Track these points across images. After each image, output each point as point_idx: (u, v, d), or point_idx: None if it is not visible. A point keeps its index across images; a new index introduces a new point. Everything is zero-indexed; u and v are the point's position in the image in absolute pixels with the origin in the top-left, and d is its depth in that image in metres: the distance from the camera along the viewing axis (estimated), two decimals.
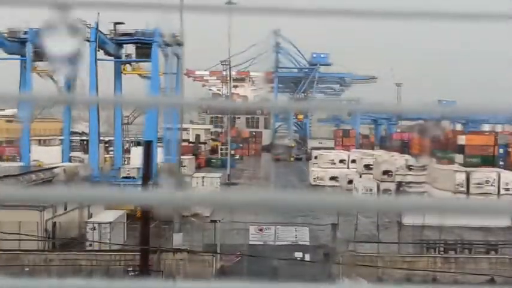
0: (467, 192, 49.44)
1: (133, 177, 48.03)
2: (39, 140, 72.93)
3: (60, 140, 70.25)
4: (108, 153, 66.58)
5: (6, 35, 52.59)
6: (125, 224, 37.29)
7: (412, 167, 57.78)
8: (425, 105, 2.22)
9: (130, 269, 31.51)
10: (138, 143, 59.36)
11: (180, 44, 53.10)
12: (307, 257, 34.89)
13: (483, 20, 2.00)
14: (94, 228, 34.80)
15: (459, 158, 70.52)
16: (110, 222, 35.13)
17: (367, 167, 63.01)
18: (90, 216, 37.58)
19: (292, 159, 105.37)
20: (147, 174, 32.51)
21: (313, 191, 62.90)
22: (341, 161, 71.24)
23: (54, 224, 35.13)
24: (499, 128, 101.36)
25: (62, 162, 52.74)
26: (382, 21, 2.16)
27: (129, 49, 55.73)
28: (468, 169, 53.76)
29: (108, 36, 53.32)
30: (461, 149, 73.09)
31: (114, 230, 35.35)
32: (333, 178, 67.34)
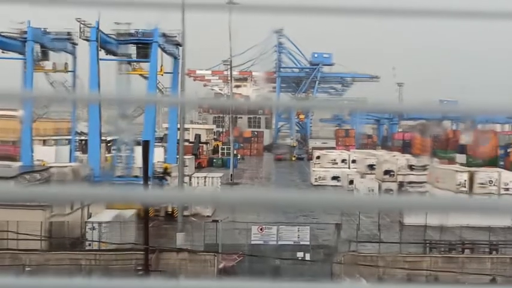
0: (470, 192, 49.37)
1: (137, 176, 47.75)
2: (44, 140, 72.87)
3: (55, 140, 70.15)
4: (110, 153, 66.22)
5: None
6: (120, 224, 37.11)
7: (413, 167, 57.83)
8: (428, 104, 2.22)
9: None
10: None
11: (179, 45, 53.07)
12: (308, 257, 34.90)
13: (487, 18, 1.99)
14: (94, 228, 34.77)
15: (461, 157, 70.45)
16: (109, 222, 35.09)
17: (369, 167, 63.02)
18: (89, 216, 37.53)
19: (294, 158, 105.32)
20: (147, 172, 32.60)
21: (314, 190, 62.81)
22: (342, 161, 71.15)
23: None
24: (500, 128, 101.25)
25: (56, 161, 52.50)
26: (383, 20, 2.16)
27: (132, 49, 55.63)
28: (470, 169, 53.68)
29: (110, 36, 53.28)
30: (463, 149, 73.07)
31: (115, 229, 35.32)
32: (334, 178, 67.29)
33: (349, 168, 68.82)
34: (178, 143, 47.79)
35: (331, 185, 65.96)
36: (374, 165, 62.13)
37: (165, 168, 49.80)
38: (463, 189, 49.65)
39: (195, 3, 2.04)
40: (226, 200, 2.06)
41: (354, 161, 69.34)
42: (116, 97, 2.47)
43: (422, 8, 2.02)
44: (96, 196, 2.12)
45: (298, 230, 35.94)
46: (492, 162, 65.78)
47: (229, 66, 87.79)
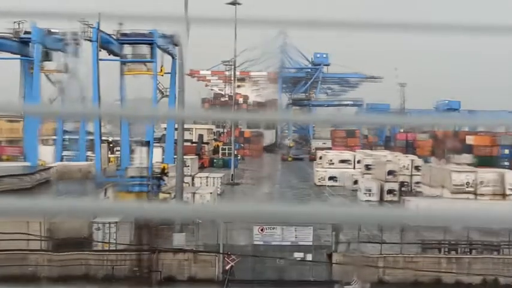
0: (474, 193, 49.35)
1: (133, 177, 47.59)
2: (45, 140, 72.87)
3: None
4: (113, 153, 66.03)
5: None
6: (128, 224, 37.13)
7: (416, 167, 57.80)
8: (431, 114, 2.23)
9: (136, 269, 31.47)
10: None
11: (179, 45, 52.93)
12: (310, 257, 34.87)
13: (488, 33, 2.00)
14: (98, 229, 34.72)
15: (466, 158, 70.36)
16: (116, 222, 35.04)
17: (370, 167, 62.88)
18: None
19: (290, 159, 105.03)
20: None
21: (317, 191, 62.78)
22: (346, 162, 70.60)
23: None
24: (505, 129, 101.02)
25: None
26: (386, 33, 2.17)
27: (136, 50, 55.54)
28: (474, 169, 53.54)
29: (111, 36, 53.24)
30: (468, 149, 73.09)
31: (120, 229, 35.26)
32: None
33: (354, 168, 68.30)
34: (175, 143, 47.80)
35: (335, 185, 65.64)
36: (374, 165, 62.03)
37: (163, 169, 49.72)
38: (469, 189, 49.55)
39: (199, 17, 2.05)
40: (224, 213, 2.07)
41: (359, 162, 68.75)
42: (120, 112, 2.48)
43: (422, 23, 2.03)
44: (98, 209, 2.14)
45: (297, 230, 35.77)
46: (494, 163, 65.71)
47: (231, 67, 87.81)
